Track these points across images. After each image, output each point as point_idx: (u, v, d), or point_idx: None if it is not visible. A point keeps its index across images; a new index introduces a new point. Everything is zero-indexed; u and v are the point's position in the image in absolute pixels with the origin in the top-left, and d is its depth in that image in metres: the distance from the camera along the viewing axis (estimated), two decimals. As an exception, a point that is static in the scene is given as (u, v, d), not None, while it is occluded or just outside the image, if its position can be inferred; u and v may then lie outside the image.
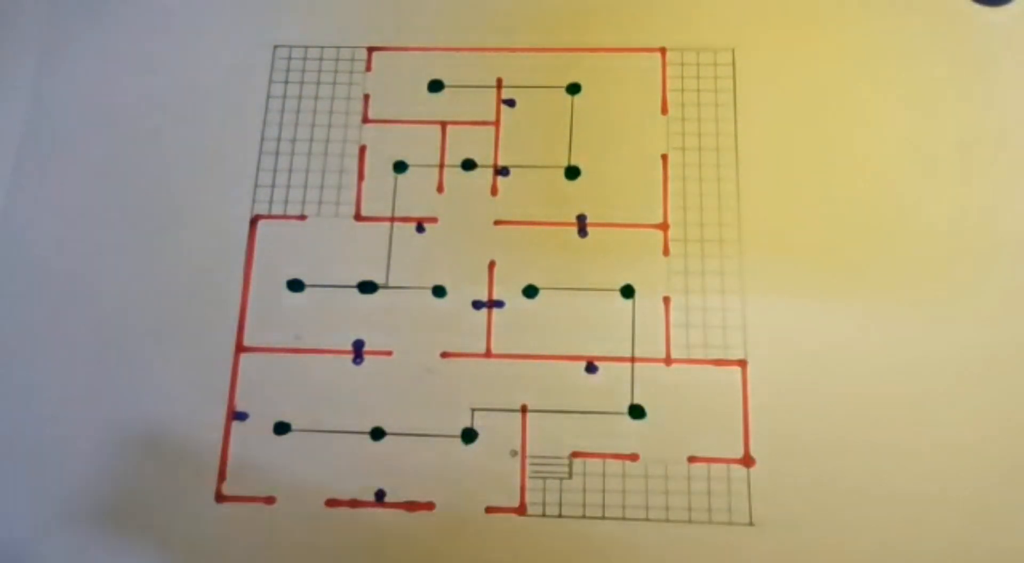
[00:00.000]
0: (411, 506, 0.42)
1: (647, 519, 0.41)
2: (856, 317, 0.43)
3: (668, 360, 0.43)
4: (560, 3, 0.49)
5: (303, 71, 0.49)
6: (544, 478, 0.42)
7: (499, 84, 0.48)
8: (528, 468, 0.42)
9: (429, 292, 0.45)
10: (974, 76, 0.47)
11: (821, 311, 0.44)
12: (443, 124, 0.48)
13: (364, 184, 0.47)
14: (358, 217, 0.46)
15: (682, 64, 0.48)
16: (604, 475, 0.42)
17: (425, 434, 0.43)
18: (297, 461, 0.43)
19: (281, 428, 0.43)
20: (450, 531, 0.42)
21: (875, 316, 0.43)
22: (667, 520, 0.41)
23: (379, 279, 0.45)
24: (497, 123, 0.48)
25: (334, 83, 0.49)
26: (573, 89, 0.48)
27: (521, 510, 0.42)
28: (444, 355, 0.44)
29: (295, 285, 0.45)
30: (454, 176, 0.47)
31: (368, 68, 0.49)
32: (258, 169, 0.47)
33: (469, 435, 0.43)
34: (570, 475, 0.42)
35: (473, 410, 0.43)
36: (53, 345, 0.45)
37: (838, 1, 0.49)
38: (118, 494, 0.42)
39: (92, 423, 0.43)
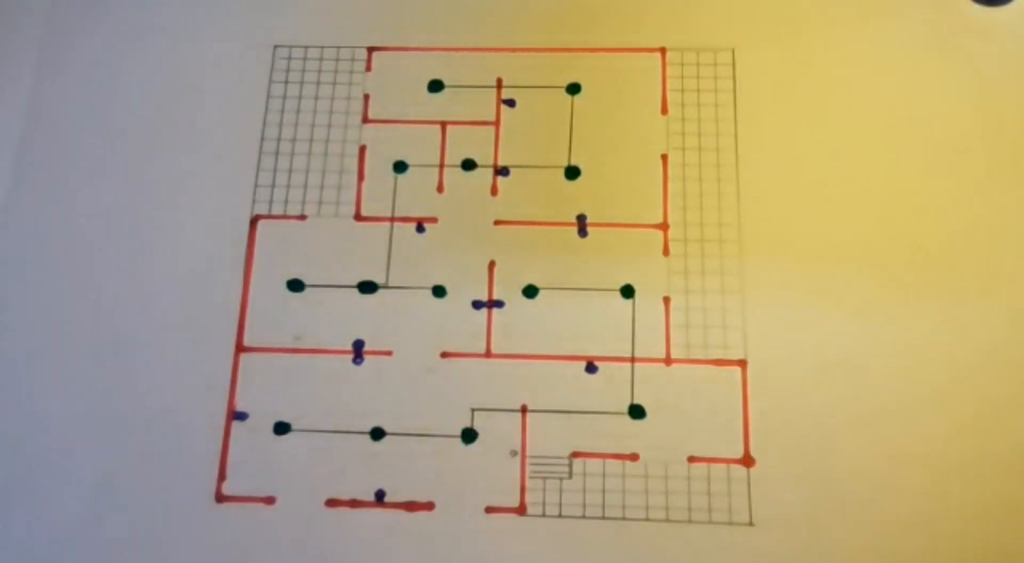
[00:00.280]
0: (411, 506, 0.42)
1: (647, 519, 0.41)
2: (856, 317, 0.43)
3: (668, 360, 0.43)
4: (560, 3, 0.49)
5: (303, 71, 0.49)
6: (544, 478, 0.42)
7: (499, 84, 0.48)
8: (528, 468, 0.42)
9: (429, 292, 0.45)
10: (974, 76, 0.47)
11: (821, 311, 0.44)
12: (443, 124, 0.48)
13: (364, 184, 0.47)
14: (358, 217, 0.46)
15: (682, 64, 0.48)
16: (604, 475, 0.42)
17: (425, 434, 0.43)
18: (297, 461, 0.43)
19: (281, 428, 0.43)
20: (450, 531, 0.42)
21: (874, 316, 0.43)
22: (667, 520, 0.41)
23: (379, 279, 0.45)
24: (497, 123, 0.48)
25: (334, 83, 0.49)
26: (573, 89, 0.48)
27: (521, 510, 0.42)
28: (444, 355, 0.44)
29: (295, 285, 0.45)
30: (454, 176, 0.47)
31: (368, 68, 0.49)
32: (258, 169, 0.47)
33: (469, 435, 0.43)
34: (570, 475, 0.42)
35: (473, 410, 0.43)
36: (53, 345, 0.45)
37: (838, 1, 0.49)
38: (117, 493, 0.42)
39: (92, 422, 0.43)
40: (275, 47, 0.49)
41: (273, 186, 0.47)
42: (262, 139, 0.48)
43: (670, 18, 0.49)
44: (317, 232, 0.46)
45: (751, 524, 0.41)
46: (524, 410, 0.43)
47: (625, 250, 0.45)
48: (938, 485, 0.41)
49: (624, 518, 0.41)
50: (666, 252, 0.45)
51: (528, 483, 0.42)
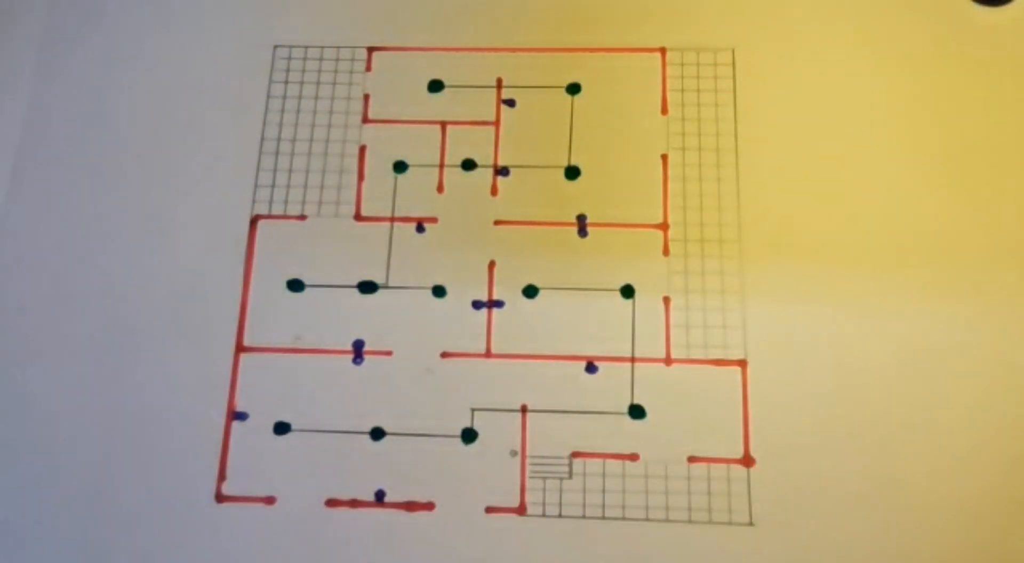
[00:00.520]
0: (411, 506, 0.42)
1: (647, 519, 0.41)
2: (856, 317, 0.43)
3: (668, 360, 0.43)
4: (560, 3, 0.49)
5: (303, 71, 0.49)
6: (544, 478, 0.42)
7: (499, 84, 0.48)
8: (528, 468, 0.42)
9: (429, 292, 0.45)
10: (974, 76, 0.47)
11: (821, 311, 0.44)
12: (443, 124, 0.48)
13: (364, 184, 0.47)
14: (358, 217, 0.46)
15: (682, 64, 0.48)
16: (604, 475, 0.42)
17: (425, 434, 0.43)
18: (297, 461, 0.43)
19: (281, 428, 0.43)
20: (450, 531, 0.41)
21: (875, 316, 0.43)
22: (667, 520, 0.41)
23: (379, 279, 0.45)
24: (497, 123, 0.48)
25: (334, 83, 0.49)
26: (573, 89, 0.48)
27: (521, 510, 0.42)
28: (444, 355, 0.44)
29: (295, 285, 0.45)
30: (454, 176, 0.47)
31: (368, 68, 0.49)
32: (258, 169, 0.47)
33: (469, 435, 0.43)
34: (570, 475, 0.42)
35: (473, 410, 0.43)
36: (53, 345, 0.45)
37: (838, 1, 0.49)
38: (118, 493, 0.42)
39: (92, 422, 0.43)
40: (275, 47, 0.49)
41: (273, 186, 0.47)
42: (262, 139, 0.48)
43: (670, 18, 0.49)
44: (317, 232, 0.46)
45: (751, 524, 0.41)
46: (524, 410, 0.43)
47: (625, 250, 0.45)
48: (938, 485, 0.41)
49: (624, 518, 0.41)
50: (666, 252, 0.45)
51: (528, 483, 0.42)
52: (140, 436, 0.43)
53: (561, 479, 0.42)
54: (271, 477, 0.43)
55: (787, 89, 0.47)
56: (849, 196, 0.45)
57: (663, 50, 0.48)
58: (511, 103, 0.48)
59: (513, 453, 0.43)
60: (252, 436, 0.43)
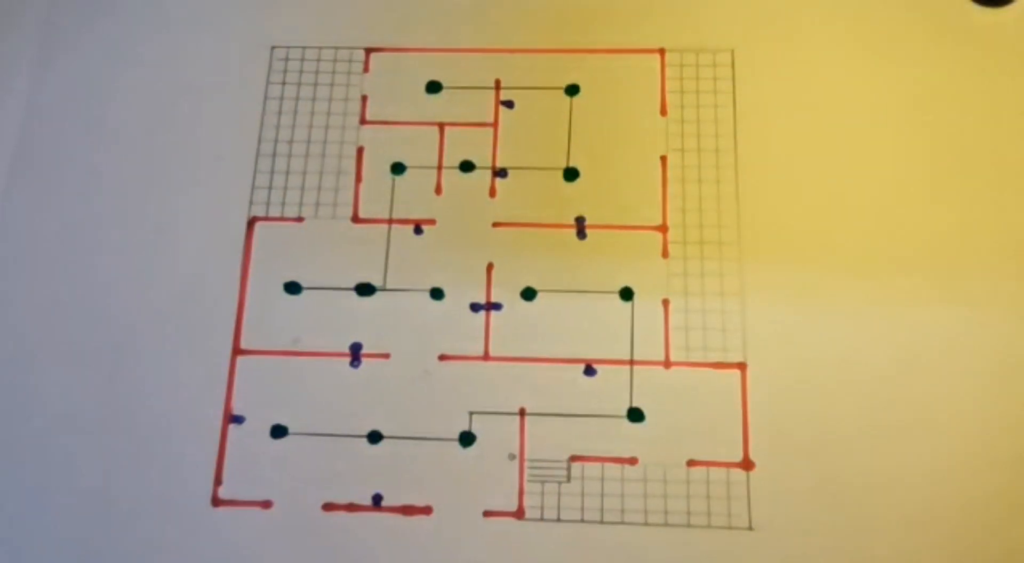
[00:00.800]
0: (408, 510, 0.42)
1: (646, 523, 0.41)
2: (856, 320, 0.43)
3: (667, 363, 0.43)
4: (559, 3, 0.49)
5: (301, 72, 0.49)
6: (542, 482, 0.42)
7: (497, 85, 0.48)
8: (526, 472, 0.42)
9: (427, 294, 0.45)
10: (974, 76, 0.47)
11: (821, 313, 0.43)
12: (441, 125, 0.48)
13: (362, 186, 0.47)
14: (356, 219, 0.46)
15: (681, 65, 0.48)
16: (603, 479, 0.42)
17: (423, 437, 0.43)
18: (294, 465, 0.43)
19: (278, 431, 0.43)
20: (448, 535, 0.41)
21: (875, 319, 0.43)
22: (666, 524, 0.41)
23: (377, 281, 0.45)
24: (495, 124, 0.48)
25: (332, 84, 0.48)
26: (572, 90, 0.48)
27: (519, 514, 0.42)
28: (442, 358, 0.44)
29: (292, 287, 0.45)
30: (452, 178, 0.47)
31: (366, 69, 0.49)
32: (255, 171, 0.47)
33: (467, 438, 0.43)
34: (568, 479, 0.42)
35: (471, 413, 0.43)
36: (49, 348, 0.44)
37: (838, 2, 0.48)
38: (114, 497, 0.42)
39: (88, 426, 0.43)
40: (272, 48, 0.49)
41: (270, 188, 0.47)
42: (259, 140, 0.48)
43: (669, 19, 0.49)
44: (314, 234, 0.46)
45: (750, 528, 0.41)
46: (522, 413, 0.43)
47: (624, 252, 0.45)
48: (938, 488, 0.41)
49: (623, 522, 0.41)
50: (665, 254, 0.45)
51: (526, 487, 0.42)
52: (136, 439, 0.43)
53: (559, 483, 0.42)
54: (268, 481, 0.42)
55: (787, 90, 0.47)
56: (849, 198, 0.45)
57: (662, 51, 0.48)
58: (509, 104, 0.48)
59: (511, 457, 0.42)
60: (249, 439, 0.43)
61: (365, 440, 0.43)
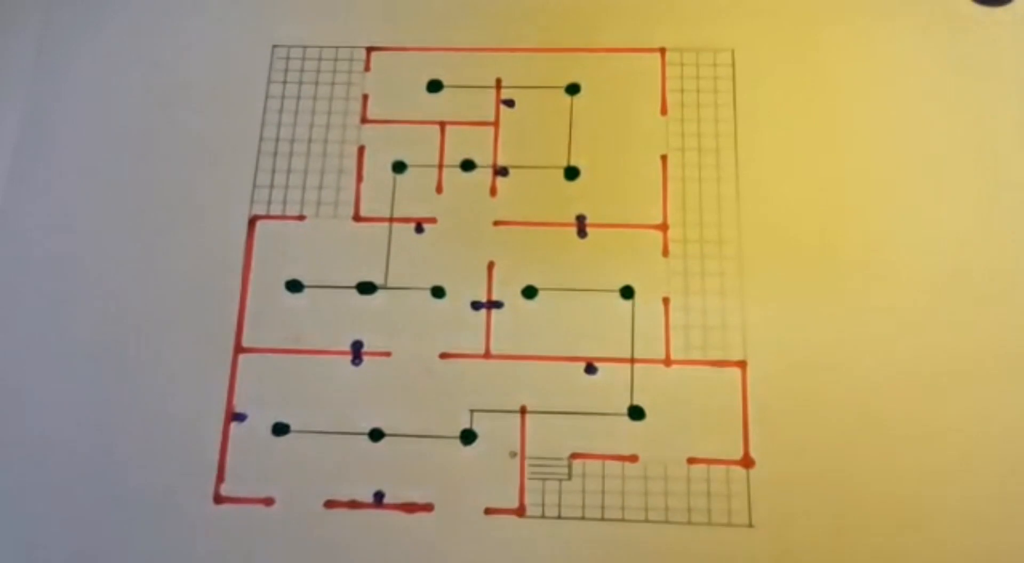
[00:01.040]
0: (410, 507, 0.42)
1: (646, 520, 0.41)
2: (856, 318, 0.43)
3: (668, 361, 0.43)
4: (560, 3, 0.49)
5: (302, 71, 0.49)
6: (543, 479, 0.42)
7: (498, 84, 0.48)
8: (527, 469, 0.42)
9: (428, 293, 0.45)
10: (974, 76, 0.47)
11: (821, 312, 0.44)
12: (442, 124, 0.48)
13: (363, 184, 0.47)
14: (357, 217, 0.46)
15: (682, 64, 0.48)
16: (603, 476, 0.42)
17: (424, 435, 0.43)
18: (296, 462, 0.43)
19: (280, 429, 0.43)
20: (449, 532, 0.41)
21: (875, 317, 0.43)
22: (666, 521, 0.41)
23: (378, 280, 0.45)
24: (496, 123, 0.48)
25: (333, 83, 0.49)
26: (572, 89, 0.48)
27: (520, 511, 0.42)
28: (443, 356, 0.44)
29: (294, 286, 0.45)
30: (453, 176, 0.47)
31: (367, 68, 0.49)
32: (256, 169, 0.47)
33: (468, 436, 0.43)
34: (569, 476, 0.42)
35: (472, 411, 0.43)
36: (51, 345, 0.44)
37: (838, 1, 0.48)
38: (115, 494, 0.42)
39: (89, 423, 0.43)
40: (273, 47, 0.49)
41: (271, 186, 0.47)
42: (260, 139, 0.48)
43: (670, 18, 0.49)
44: (316, 233, 0.46)
45: (750, 526, 0.41)
46: (523, 411, 0.43)
47: (624, 251, 0.45)
48: (939, 487, 0.41)
49: (623, 519, 0.41)
50: (666, 253, 0.45)
51: (527, 484, 0.42)
52: (138, 437, 0.43)
53: (560, 480, 0.42)
54: (270, 478, 0.42)
55: (787, 89, 0.47)
56: (849, 197, 0.45)
57: (663, 50, 0.48)
58: (510, 103, 0.48)
59: (512, 454, 0.42)
60: (251, 437, 0.43)
61: (367, 438, 0.43)
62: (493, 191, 0.47)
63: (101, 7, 0.50)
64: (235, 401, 0.44)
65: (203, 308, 0.45)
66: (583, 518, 0.42)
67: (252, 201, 0.47)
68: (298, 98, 0.48)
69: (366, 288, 0.45)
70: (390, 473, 0.42)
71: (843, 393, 0.42)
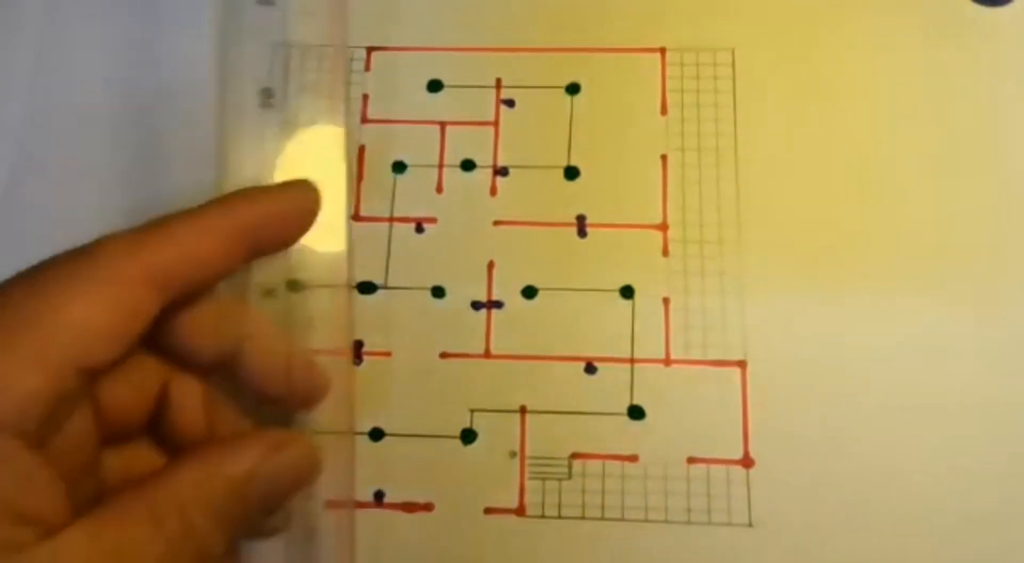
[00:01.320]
0: (410, 507, 0.42)
1: (646, 520, 0.41)
2: (857, 317, 0.43)
3: (668, 361, 0.43)
4: (560, 3, 0.49)
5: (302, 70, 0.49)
6: (543, 479, 0.42)
7: (498, 84, 0.48)
8: (527, 469, 0.42)
9: (428, 292, 0.45)
10: (974, 76, 0.47)
11: (821, 311, 0.44)
12: (442, 124, 0.48)
13: (363, 184, 0.47)
14: (357, 217, 0.46)
15: (682, 64, 0.48)
16: (603, 476, 0.42)
17: (424, 435, 0.43)
18: (296, 462, 0.43)
19: (280, 429, 0.43)
20: (449, 532, 0.41)
21: (876, 316, 0.43)
22: (666, 521, 0.41)
23: (378, 279, 0.45)
24: (496, 123, 0.48)
25: (333, 83, 0.49)
26: (572, 89, 0.48)
27: (520, 511, 0.42)
28: (443, 356, 0.44)
29: (294, 285, 0.45)
30: (453, 176, 0.47)
31: (367, 68, 0.49)
32: (257, 169, 0.47)
33: (468, 436, 0.43)
34: (569, 476, 0.42)
35: (472, 411, 0.43)
36: (51, 345, 0.44)
37: (838, 1, 0.48)
38: (116, 495, 0.42)
39: (90, 424, 0.43)
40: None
41: (272, 186, 0.47)
42: (261, 139, 0.48)
43: (670, 18, 0.49)
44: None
45: (750, 526, 0.41)
46: (523, 411, 0.43)
47: (625, 250, 0.45)
48: (940, 487, 0.41)
49: (623, 519, 0.41)
50: (666, 253, 0.45)
51: (527, 484, 0.42)
52: (138, 437, 0.43)
53: (560, 480, 0.42)
54: (270, 478, 0.42)
55: (787, 89, 0.47)
56: (849, 196, 0.45)
57: (662, 50, 0.48)
58: (510, 103, 0.48)
59: (512, 454, 0.42)
60: (251, 437, 0.43)
61: (367, 437, 0.43)
62: (493, 191, 0.47)
63: (101, 7, 0.50)
64: (235, 401, 0.44)
65: (203, 308, 0.45)
66: (583, 518, 0.42)
67: (252, 201, 0.47)
68: (298, 98, 0.48)
69: (366, 288, 0.45)
70: (390, 473, 0.42)
71: (843, 392, 0.42)
